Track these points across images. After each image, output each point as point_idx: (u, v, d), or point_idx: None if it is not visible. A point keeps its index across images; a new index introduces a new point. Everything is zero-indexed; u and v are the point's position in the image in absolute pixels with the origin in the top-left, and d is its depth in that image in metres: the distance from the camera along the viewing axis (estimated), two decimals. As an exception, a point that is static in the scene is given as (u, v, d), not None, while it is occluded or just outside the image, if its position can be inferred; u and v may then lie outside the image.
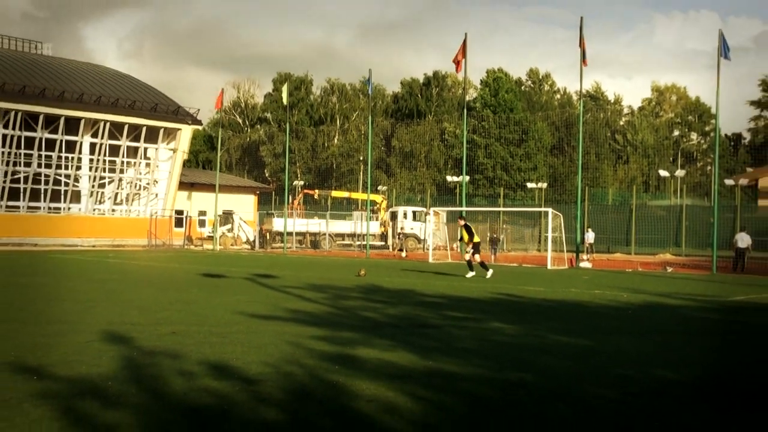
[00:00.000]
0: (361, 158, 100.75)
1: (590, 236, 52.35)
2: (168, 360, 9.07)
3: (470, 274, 27.29)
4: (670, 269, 36.02)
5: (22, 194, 56.15)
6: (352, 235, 62.95)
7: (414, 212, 61.53)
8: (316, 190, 77.58)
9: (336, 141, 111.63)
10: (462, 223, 29.77)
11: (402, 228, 57.94)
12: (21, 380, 7.83)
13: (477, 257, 28.32)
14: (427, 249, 46.15)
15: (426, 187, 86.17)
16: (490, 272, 27.36)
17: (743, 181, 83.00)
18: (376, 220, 62.95)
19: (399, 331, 12.54)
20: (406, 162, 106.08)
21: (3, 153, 54.92)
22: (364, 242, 55.40)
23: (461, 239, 30.39)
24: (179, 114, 63.19)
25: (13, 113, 54.37)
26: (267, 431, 6.19)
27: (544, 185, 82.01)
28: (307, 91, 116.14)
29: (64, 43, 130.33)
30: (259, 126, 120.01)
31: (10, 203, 55.73)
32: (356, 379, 8.16)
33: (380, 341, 10.98)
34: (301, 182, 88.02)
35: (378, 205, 65.80)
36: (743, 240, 35.29)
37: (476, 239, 28.80)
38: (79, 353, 9.50)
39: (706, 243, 43.38)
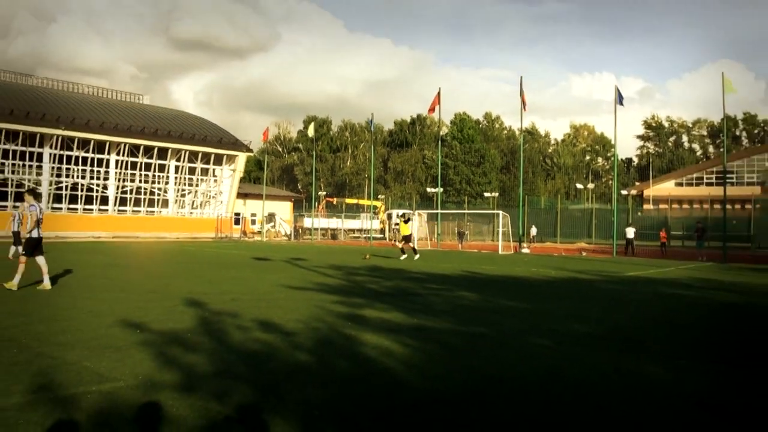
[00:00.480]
0: (366, 176, 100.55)
1: (533, 230, 52.42)
2: (229, 318, 9.08)
3: (416, 257, 26.59)
4: (584, 253, 36.02)
5: (128, 202, 56.25)
6: (360, 230, 62.91)
7: (404, 213, 61.42)
8: (334, 198, 77.49)
9: (348, 163, 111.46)
10: (402, 220, 29.25)
11: (396, 225, 57.82)
12: (128, 332, 7.87)
13: (403, 245, 27.75)
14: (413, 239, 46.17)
15: (412, 196, 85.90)
16: (403, 257, 26.55)
17: (633, 192, 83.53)
18: (377, 219, 62.89)
19: (393, 298, 12.55)
20: (398, 178, 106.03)
21: (116, 173, 55.15)
22: (369, 235, 55.40)
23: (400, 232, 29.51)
24: (237, 145, 63.10)
25: (122, 145, 54.45)
26: (300, 369, 6.20)
27: (496, 194, 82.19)
28: (328, 128, 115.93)
29: (157, 95, 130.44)
30: (293, 153, 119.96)
31: (120, 208, 55.89)
32: (363, 332, 8.18)
33: (380, 305, 10.99)
34: (324, 193, 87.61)
35: (378, 209, 65.74)
36: (630, 232, 35.54)
37: (406, 233, 28.02)
38: (167, 313, 9.52)
39: (609, 235, 43.40)
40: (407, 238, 27.90)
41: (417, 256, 26.64)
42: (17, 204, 38.79)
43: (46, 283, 12.56)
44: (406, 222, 28.44)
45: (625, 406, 5.26)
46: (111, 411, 4.73)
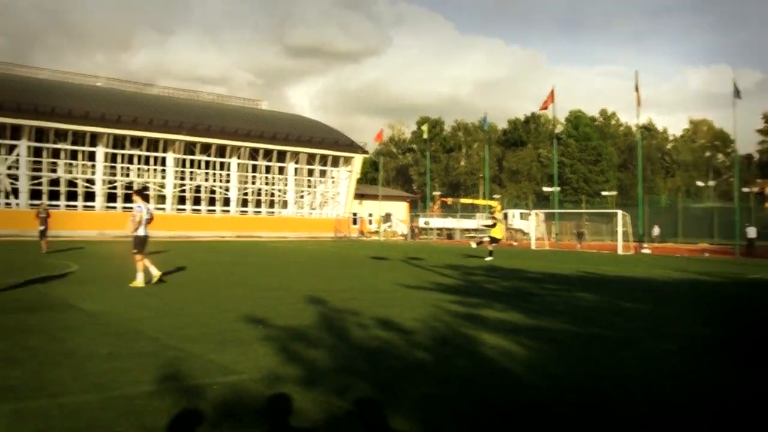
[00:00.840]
0: (481, 175, 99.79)
1: (656, 230, 50.18)
2: (350, 316, 9.21)
3: (488, 258, 25.12)
4: (706, 254, 34.60)
5: (249, 203, 58.22)
6: (476, 230, 62.55)
7: (521, 213, 60.59)
8: (449, 198, 77.37)
9: (462, 163, 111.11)
10: (491, 222, 28.07)
11: (512, 224, 57.07)
12: (252, 328, 8.12)
13: (489, 246, 26.26)
14: (530, 239, 45.49)
15: (528, 195, 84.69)
16: (489, 258, 25.13)
17: (755, 189, 79.25)
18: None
19: (510, 298, 12.40)
20: (514, 177, 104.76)
21: (237, 176, 57.19)
22: (485, 235, 54.87)
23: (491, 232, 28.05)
24: (353, 146, 64.04)
25: (242, 149, 56.51)
26: (418, 367, 6.22)
27: (615, 193, 79.80)
28: (441, 128, 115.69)
29: (274, 100, 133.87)
30: (407, 153, 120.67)
31: (242, 209, 57.91)
32: (481, 332, 8.11)
33: (497, 305, 10.87)
34: (438, 193, 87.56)
35: (494, 209, 65.19)
36: (752, 232, 34.08)
37: (494, 235, 26.51)
38: (289, 310, 9.76)
39: (731, 234, 41.26)
40: (493, 240, 26.87)
41: (489, 258, 25.29)
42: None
43: (155, 273, 13.39)
44: (493, 225, 27.48)
45: (746, 415, 5.00)
46: (236, 402, 4.90)
